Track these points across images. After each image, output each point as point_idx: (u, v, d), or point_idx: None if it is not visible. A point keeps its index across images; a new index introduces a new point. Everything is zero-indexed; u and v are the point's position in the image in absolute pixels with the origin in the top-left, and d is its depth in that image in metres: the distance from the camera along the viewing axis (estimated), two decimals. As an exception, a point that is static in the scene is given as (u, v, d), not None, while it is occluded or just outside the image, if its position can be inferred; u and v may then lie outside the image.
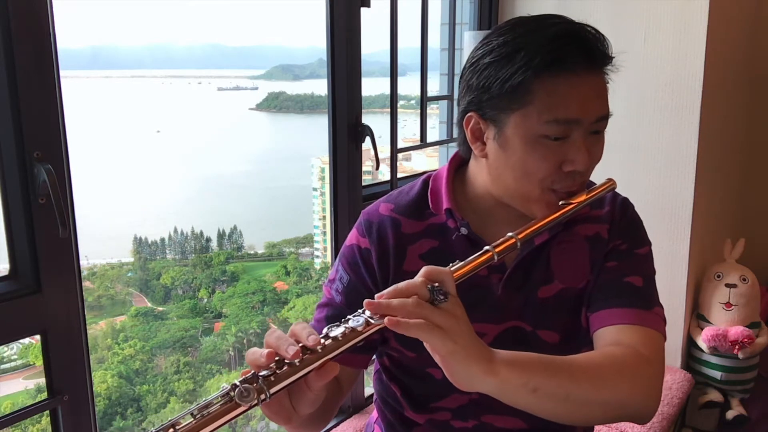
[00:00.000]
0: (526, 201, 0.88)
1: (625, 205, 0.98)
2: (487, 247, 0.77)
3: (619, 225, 0.95)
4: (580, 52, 0.81)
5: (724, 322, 2.03)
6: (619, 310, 0.87)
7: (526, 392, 0.71)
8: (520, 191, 0.87)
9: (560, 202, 0.86)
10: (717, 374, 2.03)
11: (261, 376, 0.64)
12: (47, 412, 1.14)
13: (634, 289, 0.89)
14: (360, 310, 0.70)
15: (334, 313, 0.94)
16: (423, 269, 0.71)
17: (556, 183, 0.85)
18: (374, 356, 1.05)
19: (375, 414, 1.12)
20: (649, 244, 0.97)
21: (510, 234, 0.80)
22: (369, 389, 1.89)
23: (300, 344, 0.67)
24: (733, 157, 2.37)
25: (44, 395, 1.13)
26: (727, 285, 2.04)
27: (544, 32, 0.81)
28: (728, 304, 2.03)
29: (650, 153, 1.98)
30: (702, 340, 2.03)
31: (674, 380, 1.98)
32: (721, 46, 1.98)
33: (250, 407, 0.63)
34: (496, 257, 0.77)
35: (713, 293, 2.06)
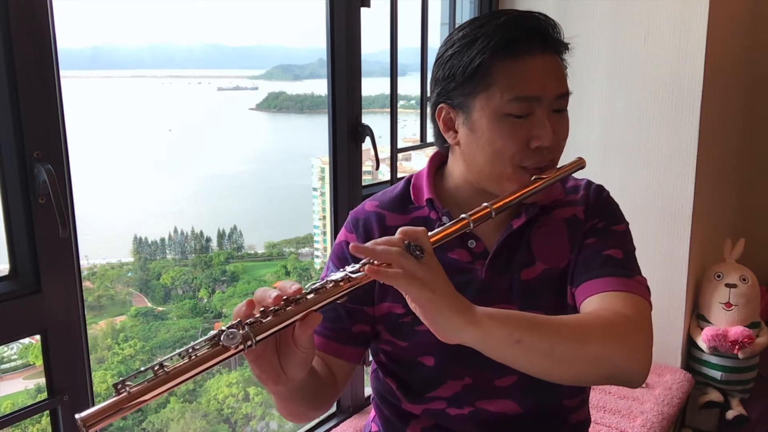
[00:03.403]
0: (499, 180, 0.91)
1: (599, 189, 1.02)
2: (462, 215, 0.80)
3: (594, 206, 0.98)
4: (530, 34, 0.87)
5: (724, 322, 2.03)
6: (601, 280, 0.89)
7: (510, 343, 0.72)
8: (493, 171, 0.91)
9: (532, 178, 0.90)
10: (717, 374, 2.03)
11: (246, 323, 0.66)
12: (47, 412, 1.14)
13: (614, 261, 0.91)
14: (341, 269, 0.72)
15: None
16: (400, 229, 0.73)
17: (525, 160, 0.89)
18: (372, 358, 1.06)
19: (373, 413, 1.12)
20: (626, 223, 0.99)
21: (485, 204, 0.82)
22: (368, 389, 1.89)
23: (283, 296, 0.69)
24: (733, 157, 2.37)
25: (44, 395, 1.13)
26: (727, 285, 2.04)
27: (496, 20, 0.88)
28: (728, 304, 2.03)
29: (650, 153, 1.98)
30: (702, 340, 2.03)
31: (674, 380, 1.98)
32: (721, 46, 1.98)
33: (237, 352, 0.64)
34: (471, 225, 0.79)
35: (713, 293, 2.07)
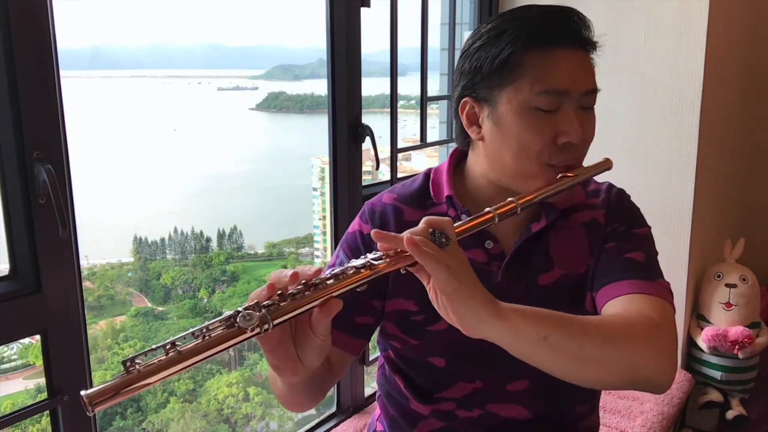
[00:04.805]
0: (524, 178, 0.89)
1: (621, 193, 1.01)
2: (488, 209, 0.78)
3: (615, 210, 0.97)
4: (564, 29, 0.86)
5: (724, 322, 2.03)
6: (624, 282, 0.87)
7: (537, 340, 0.70)
8: (519, 168, 0.89)
9: (558, 176, 0.88)
10: (717, 374, 2.03)
11: (263, 305, 0.63)
12: (47, 412, 1.14)
13: (636, 264, 0.90)
14: (362, 256, 0.70)
15: None
16: (425, 218, 0.71)
17: (552, 157, 0.87)
18: (379, 353, 1.05)
19: (378, 411, 1.12)
20: (648, 227, 0.98)
21: (511, 199, 0.81)
22: (369, 389, 1.89)
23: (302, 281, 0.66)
24: (733, 157, 2.37)
25: (44, 395, 1.13)
26: (727, 285, 2.04)
27: (528, 13, 0.88)
28: (728, 304, 2.03)
29: (650, 153, 1.98)
30: (702, 340, 2.03)
31: (674, 380, 1.98)
32: (721, 46, 1.98)
33: (253, 335, 0.62)
34: (497, 219, 0.78)
35: (713, 293, 2.06)
